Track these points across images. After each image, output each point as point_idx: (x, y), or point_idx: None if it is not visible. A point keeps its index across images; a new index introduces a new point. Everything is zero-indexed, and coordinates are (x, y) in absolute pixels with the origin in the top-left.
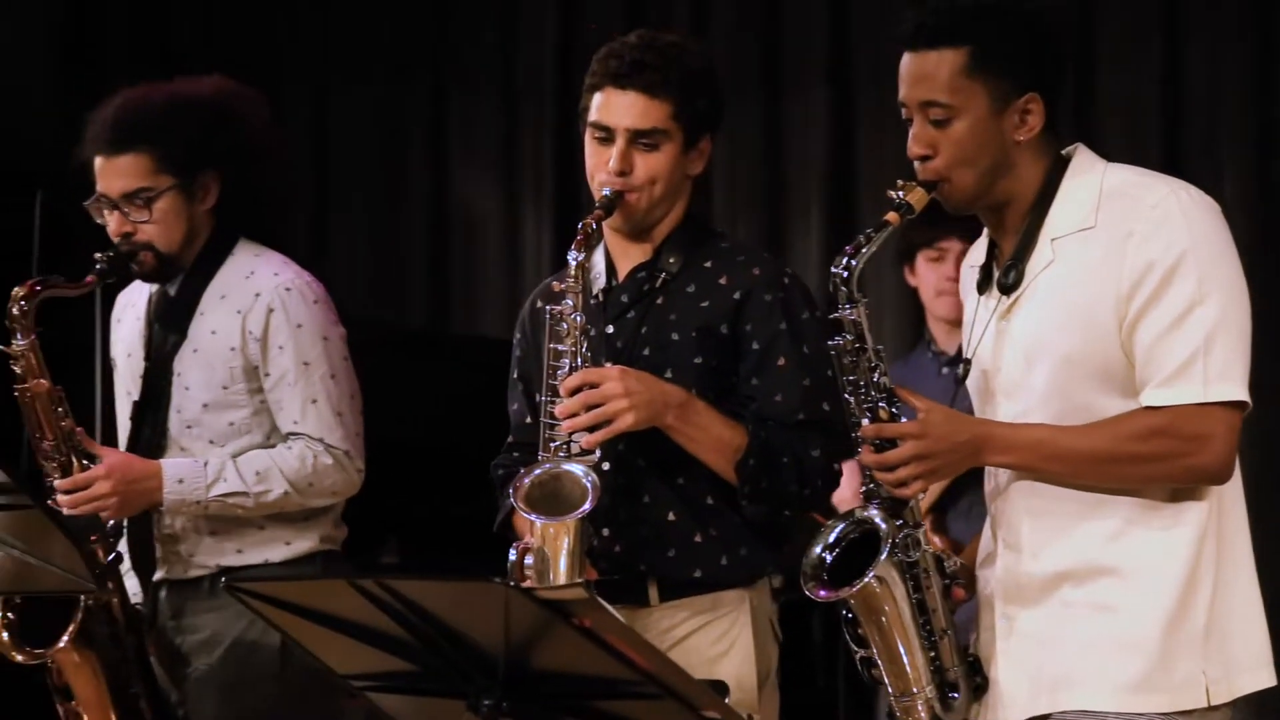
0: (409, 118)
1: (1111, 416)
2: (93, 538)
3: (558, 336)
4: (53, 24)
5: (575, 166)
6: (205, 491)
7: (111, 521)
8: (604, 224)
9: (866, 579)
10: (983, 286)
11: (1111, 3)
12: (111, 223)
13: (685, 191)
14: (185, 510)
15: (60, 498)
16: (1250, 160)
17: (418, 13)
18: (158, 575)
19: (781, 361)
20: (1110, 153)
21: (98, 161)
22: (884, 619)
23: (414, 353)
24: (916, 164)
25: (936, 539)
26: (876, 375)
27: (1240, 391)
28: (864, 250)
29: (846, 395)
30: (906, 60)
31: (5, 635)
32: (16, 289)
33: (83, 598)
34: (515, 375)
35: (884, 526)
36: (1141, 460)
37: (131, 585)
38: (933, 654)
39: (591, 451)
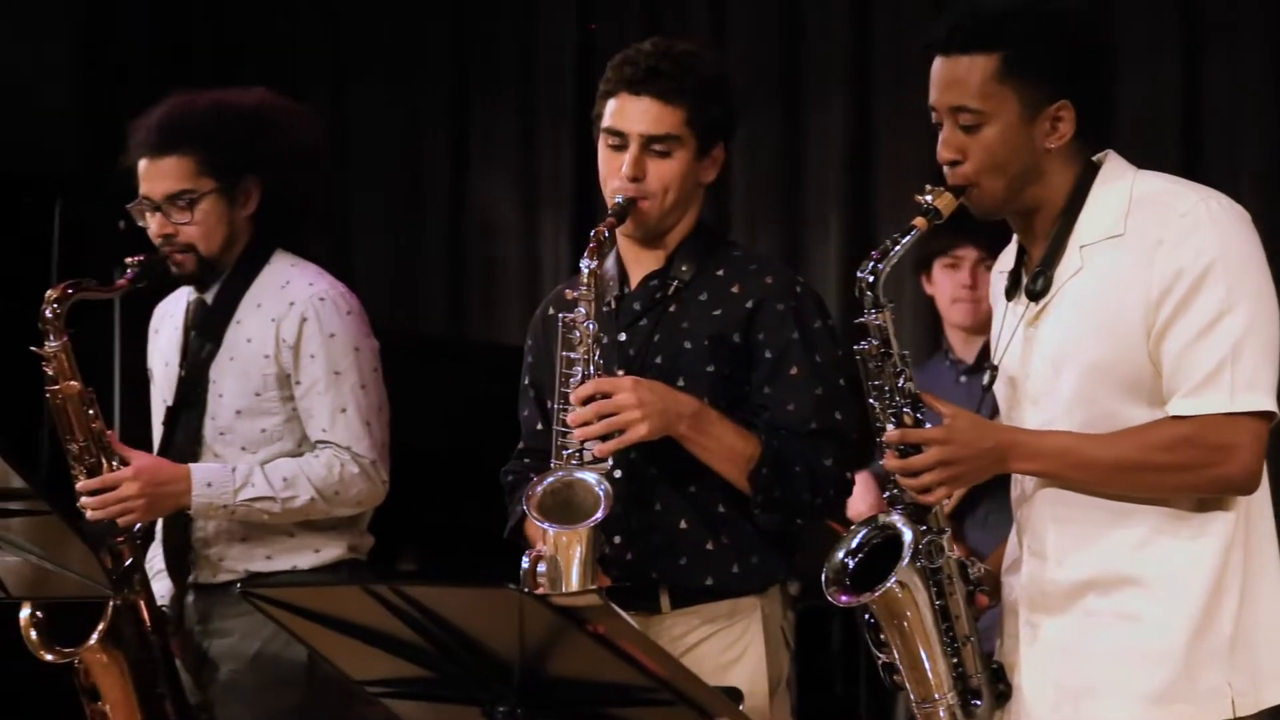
0: (428, 124)
1: (1137, 425)
2: (119, 538)
3: (570, 344)
4: (73, 34)
5: (593, 174)
6: (233, 496)
7: (139, 525)
8: (617, 231)
9: (888, 584)
10: (1011, 293)
11: (1129, 12)
12: (153, 225)
13: (698, 199)
14: (212, 514)
15: (86, 499)
16: (1270, 170)
17: (437, 19)
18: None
19: (794, 370)
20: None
21: (142, 164)
22: (906, 624)
23: (432, 359)
24: (946, 169)
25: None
26: (901, 380)
27: (1268, 401)
28: (890, 255)
29: (871, 400)
30: (938, 65)
31: (34, 634)
32: (49, 291)
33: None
34: (526, 381)
35: (907, 532)
36: (1167, 470)
37: (160, 588)
38: (955, 660)
39: (603, 460)
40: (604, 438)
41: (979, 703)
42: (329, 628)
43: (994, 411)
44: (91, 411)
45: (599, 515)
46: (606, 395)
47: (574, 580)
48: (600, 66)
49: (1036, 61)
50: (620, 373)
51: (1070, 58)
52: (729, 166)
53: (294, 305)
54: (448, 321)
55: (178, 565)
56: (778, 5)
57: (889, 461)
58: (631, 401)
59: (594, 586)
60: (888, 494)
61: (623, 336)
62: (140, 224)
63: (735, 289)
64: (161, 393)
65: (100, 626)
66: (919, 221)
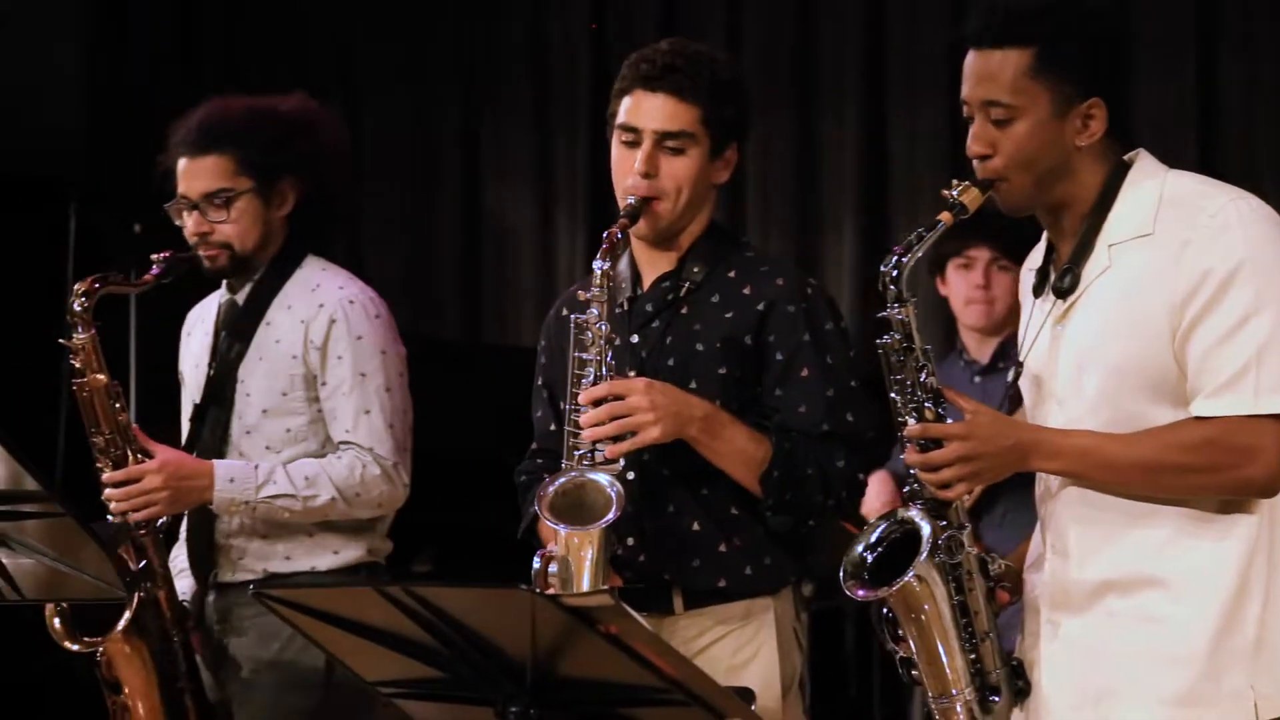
0: (442, 129)
1: (1160, 426)
2: (142, 531)
3: (582, 345)
4: (86, 39)
5: (608, 177)
6: (255, 492)
7: (162, 519)
8: (629, 232)
9: (906, 578)
10: (1038, 290)
11: (1146, 12)
12: (190, 223)
13: (710, 200)
14: (233, 510)
15: (110, 491)
16: None
17: (450, 25)
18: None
19: (805, 373)
20: None
21: (181, 163)
22: (924, 619)
23: (446, 364)
24: (975, 163)
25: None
26: (924, 375)
27: None
28: (914, 249)
29: (893, 394)
30: (971, 58)
31: (59, 624)
32: (78, 285)
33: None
34: (540, 382)
35: (925, 526)
36: (1189, 471)
37: (182, 586)
38: (973, 656)
39: (615, 461)
40: (616, 439)
41: (997, 699)
42: (341, 629)
43: (1013, 409)
44: (118, 405)
45: (611, 516)
46: (619, 397)
47: (585, 581)
48: (615, 71)
49: (1069, 58)
50: (633, 374)
51: (1102, 56)
52: (742, 169)
53: (323, 307)
54: (462, 326)
55: (201, 563)
56: (792, 10)
57: (909, 456)
58: (644, 404)
59: (605, 587)
60: (907, 489)
61: (635, 338)
62: (177, 222)
63: (747, 291)
64: (191, 394)
65: (126, 615)
66: (944, 216)
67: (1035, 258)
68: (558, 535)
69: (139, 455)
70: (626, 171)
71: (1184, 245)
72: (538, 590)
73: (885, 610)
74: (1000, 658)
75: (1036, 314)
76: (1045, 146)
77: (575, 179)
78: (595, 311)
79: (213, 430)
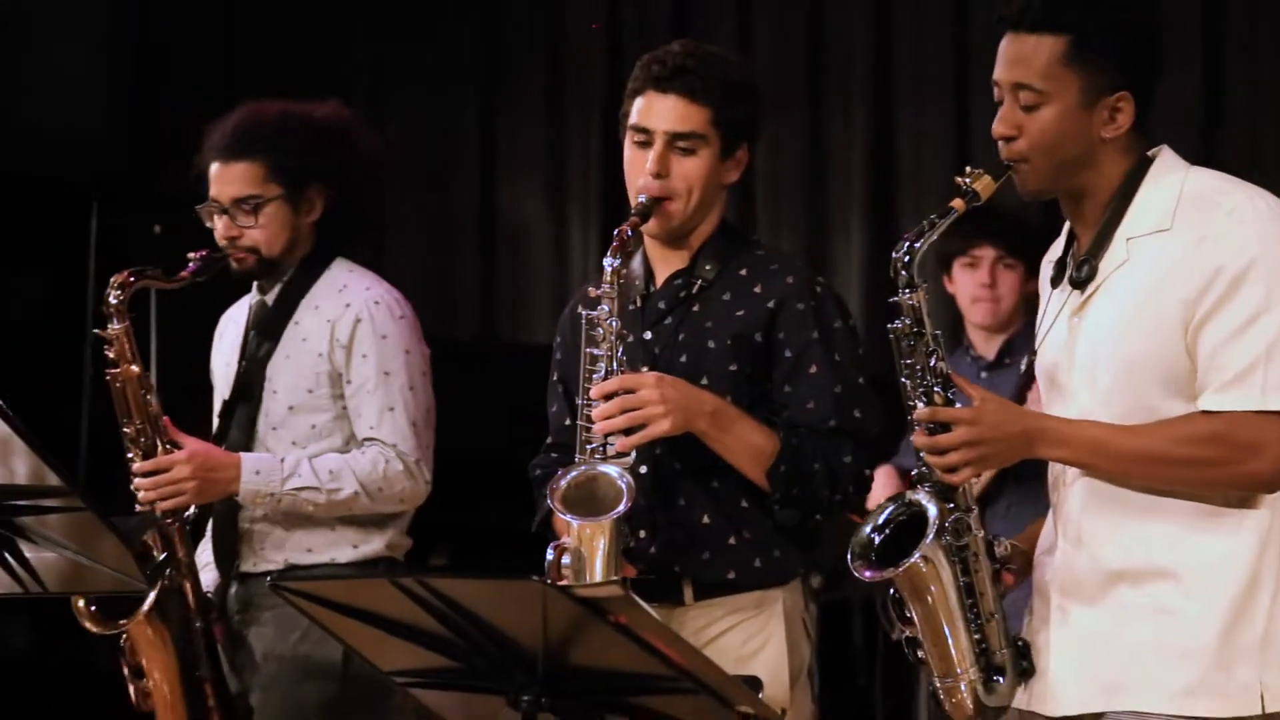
0: (457, 128)
1: (1168, 419)
2: (170, 521)
3: (593, 341)
4: (109, 38)
5: (622, 176)
6: (280, 485)
7: (189, 510)
8: (642, 230)
9: (912, 559)
10: (1056, 281)
11: None
12: (219, 226)
13: (721, 200)
14: (259, 502)
15: (139, 480)
16: None
17: (466, 25)
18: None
19: (813, 369)
20: None
21: (213, 168)
22: (930, 600)
23: (463, 363)
24: (1001, 144)
25: None
26: (934, 360)
27: None
28: (926, 235)
29: (903, 379)
30: (1006, 40)
31: (82, 604)
32: (114, 277)
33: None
34: (555, 378)
35: (932, 508)
36: (1194, 464)
37: (206, 579)
38: (978, 637)
39: (626, 454)
40: (626, 432)
41: (1001, 679)
42: (357, 620)
43: (1021, 399)
44: (149, 396)
45: (621, 508)
46: (630, 391)
47: (597, 572)
48: (628, 71)
49: (1104, 50)
50: (644, 369)
51: (1136, 52)
52: (752, 170)
53: (349, 307)
54: (478, 325)
55: (225, 554)
56: (802, 11)
57: (918, 439)
58: (654, 397)
59: (616, 578)
60: (915, 472)
61: (648, 335)
62: (208, 224)
63: (757, 289)
64: (222, 392)
65: (150, 598)
66: (957, 203)
67: (1055, 249)
68: (570, 527)
69: (168, 446)
70: (639, 172)
71: (1200, 241)
72: (550, 581)
73: (892, 591)
74: (1005, 639)
75: (1053, 305)
76: (1070, 135)
77: (589, 178)
78: (606, 308)
79: (240, 426)
